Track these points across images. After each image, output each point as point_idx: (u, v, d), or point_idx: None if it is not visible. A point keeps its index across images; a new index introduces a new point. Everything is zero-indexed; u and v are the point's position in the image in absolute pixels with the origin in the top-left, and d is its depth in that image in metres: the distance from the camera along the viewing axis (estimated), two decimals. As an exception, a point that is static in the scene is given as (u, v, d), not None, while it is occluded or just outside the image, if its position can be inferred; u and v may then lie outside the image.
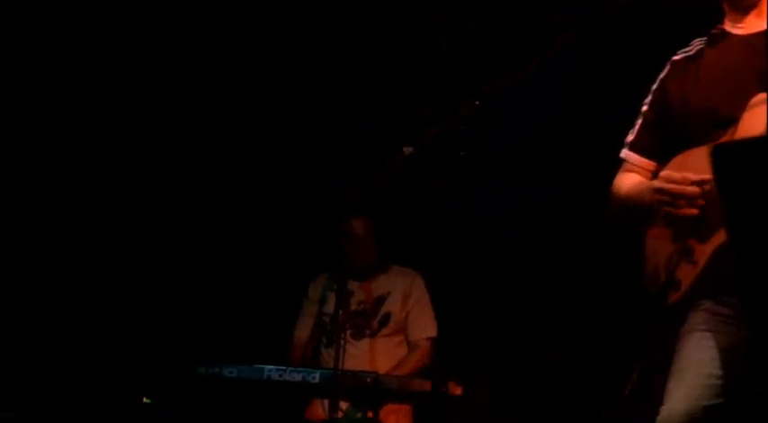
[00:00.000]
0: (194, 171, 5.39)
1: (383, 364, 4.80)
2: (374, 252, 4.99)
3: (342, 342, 4.31)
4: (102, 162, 5.31)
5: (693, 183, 2.81)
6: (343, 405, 4.32)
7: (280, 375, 4.25)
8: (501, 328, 5.20)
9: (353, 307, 4.90)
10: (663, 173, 2.93)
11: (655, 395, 2.88)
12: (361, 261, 4.95)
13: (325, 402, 4.49)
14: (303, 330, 5.01)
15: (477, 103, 2.95)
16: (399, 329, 4.96)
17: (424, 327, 4.93)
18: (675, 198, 2.84)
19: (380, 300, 4.97)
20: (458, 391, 4.23)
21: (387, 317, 4.94)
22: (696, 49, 3.06)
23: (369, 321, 4.93)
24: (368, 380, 4.22)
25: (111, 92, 5.30)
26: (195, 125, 5.38)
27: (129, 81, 5.31)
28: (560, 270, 5.14)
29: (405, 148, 3.12)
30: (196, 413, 4.61)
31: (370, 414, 4.32)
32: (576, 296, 5.03)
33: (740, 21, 3.00)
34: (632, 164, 3.10)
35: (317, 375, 4.25)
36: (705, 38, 3.06)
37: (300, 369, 4.39)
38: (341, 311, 4.44)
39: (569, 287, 5.07)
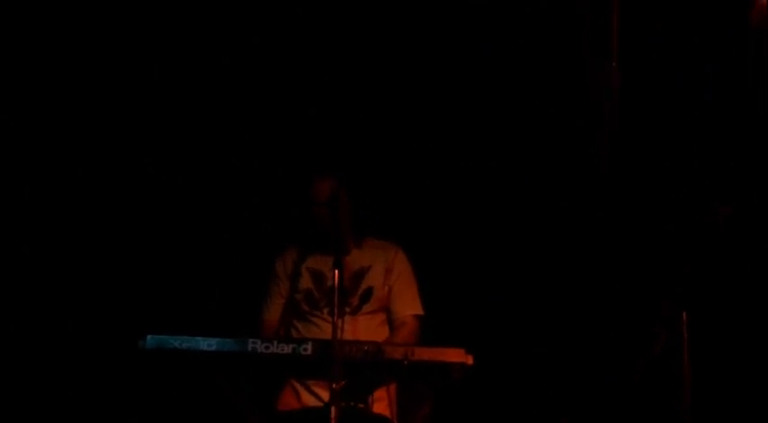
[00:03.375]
0: (194, 171, 5.39)
1: None
2: (346, 222, 4.39)
3: (336, 316, 3.76)
4: (102, 162, 5.31)
5: None
6: (322, 393, 3.89)
7: (266, 348, 3.80)
8: (500, 328, 5.20)
9: (329, 282, 4.26)
10: None
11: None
12: (330, 231, 4.29)
13: (300, 388, 4.23)
14: (274, 311, 4.50)
15: None
16: (382, 307, 4.47)
17: (411, 303, 4.49)
18: None
19: (360, 273, 4.46)
20: (469, 360, 3.82)
21: (368, 292, 4.39)
22: None
23: (348, 298, 4.34)
24: (366, 348, 3.79)
25: (110, 92, 5.30)
26: (195, 125, 5.38)
27: (129, 81, 5.31)
28: (560, 269, 5.15)
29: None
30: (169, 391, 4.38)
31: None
32: (576, 296, 5.03)
33: None
34: None
35: (309, 346, 3.80)
36: None
37: (291, 339, 4.06)
38: (335, 281, 3.83)
39: (569, 287, 5.07)
